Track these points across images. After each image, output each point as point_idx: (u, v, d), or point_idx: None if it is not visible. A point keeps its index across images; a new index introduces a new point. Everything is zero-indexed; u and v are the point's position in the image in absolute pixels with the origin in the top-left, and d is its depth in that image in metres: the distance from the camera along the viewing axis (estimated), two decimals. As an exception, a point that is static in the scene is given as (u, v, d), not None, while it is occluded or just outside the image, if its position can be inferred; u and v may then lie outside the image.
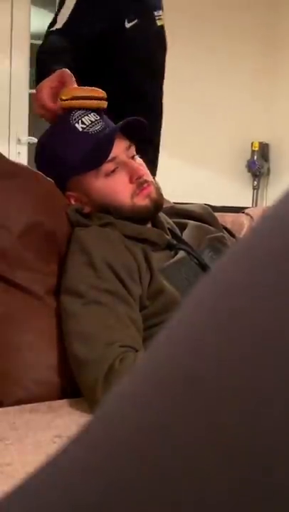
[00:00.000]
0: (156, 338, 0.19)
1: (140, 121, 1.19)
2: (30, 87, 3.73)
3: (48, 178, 1.21)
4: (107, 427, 0.18)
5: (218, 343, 0.16)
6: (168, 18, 3.85)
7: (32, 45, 3.73)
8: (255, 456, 0.14)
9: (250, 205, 3.95)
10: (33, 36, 3.75)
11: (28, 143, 3.65)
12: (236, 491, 0.14)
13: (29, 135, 3.67)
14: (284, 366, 0.15)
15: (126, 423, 0.17)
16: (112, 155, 1.15)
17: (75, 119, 1.19)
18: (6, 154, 1.24)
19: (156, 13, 1.87)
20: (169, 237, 1.22)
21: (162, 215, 1.27)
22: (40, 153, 1.25)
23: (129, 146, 1.19)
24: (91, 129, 1.18)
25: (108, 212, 1.18)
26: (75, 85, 1.26)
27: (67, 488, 0.17)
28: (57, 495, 0.18)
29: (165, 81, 3.92)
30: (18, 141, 3.68)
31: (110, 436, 0.17)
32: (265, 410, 0.15)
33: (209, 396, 0.16)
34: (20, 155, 3.67)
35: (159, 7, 1.93)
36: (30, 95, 3.73)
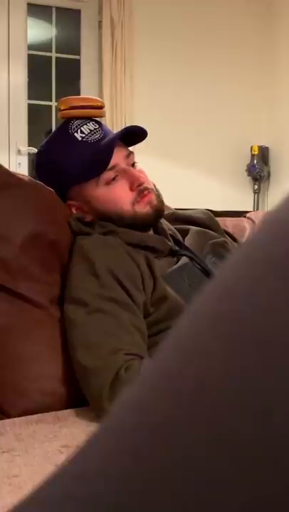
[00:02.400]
0: (161, 346, 0.19)
1: (139, 128, 1.19)
2: (29, 98, 3.75)
3: (49, 188, 1.21)
4: (116, 437, 0.18)
5: (223, 352, 0.16)
6: (169, 22, 3.87)
7: (29, 56, 3.75)
8: (264, 465, 0.14)
9: (252, 209, 3.95)
10: (31, 47, 3.77)
11: (28, 153, 3.66)
12: (245, 503, 0.14)
13: (29, 145, 3.69)
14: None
15: (134, 433, 0.17)
16: (112, 163, 1.15)
17: (74, 129, 1.19)
18: (6, 165, 1.25)
19: None
20: (171, 243, 1.22)
21: (164, 222, 1.27)
22: (40, 163, 1.25)
23: (129, 154, 1.19)
24: (90, 138, 1.18)
25: (110, 220, 1.18)
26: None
27: (77, 499, 0.17)
28: (67, 505, 0.17)
29: (164, 87, 3.94)
30: (18, 151, 3.69)
31: (119, 445, 0.17)
32: (271, 419, 0.15)
33: (216, 405, 0.16)
34: (20, 166, 3.68)
35: None
36: (29, 106, 3.75)
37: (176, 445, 0.16)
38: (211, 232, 1.32)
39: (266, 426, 0.15)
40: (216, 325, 0.17)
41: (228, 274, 0.18)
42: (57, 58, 3.88)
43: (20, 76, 3.72)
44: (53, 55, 3.87)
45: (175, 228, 1.30)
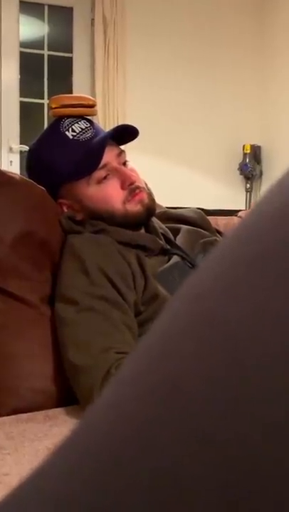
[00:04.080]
0: (137, 346, 0.19)
1: (131, 127, 1.19)
2: (21, 95, 3.74)
3: (40, 186, 1.21)
4: (92, 436, 0.18)
5: (196, 350, 0.16)
6: (162, 20, 3.87)
7: (21, 54, 3.74)
8: (240, 462, 0.14)
9: (244, 208, 3.95)
10: (23, 44, 3.76)
11: (20, 151, 3.65)
12: (222, 496, 0.14)
13: (21, 143, 3.68)
14: (263, 369, 0.15)
15: (110, 432, 0.17)
16: (103, 162, 1.15)
17: (65, 127, 1.19)
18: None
19: None
20: (162, 242, 1.22)
21: (155, 221, 1.27)
22: (31, 161, 1.25)
23: (120, 153, 1.19)
24: (81, 137, 1.18)
25: (101, 218, 1.18)
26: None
27: (53, 499, 0.17)
28: (43, 505, 0.18)
29: (157, 85, 3.94)
30: (10, 149, 3.68)
31: (95, 446, 0.17)
32: (248, 415, 0.15)
33: (188, 406, 0.16)
34: (12, 163, 3.67)
35: None
36: (21, 103, 3.74)
37: (153, 444, 0.16)
38: (203, 231, 1.33)
39: (235, 426, 0.15)
40: (188, 324, 0.17)
41: (204, 274, 0.18)
42: (49, 56, 3.87)
43: (12, 74, 3.71)
44: (45, 52, 3.86)
45: (166, 227, 1.30)
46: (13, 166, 3.66)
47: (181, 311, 0.18)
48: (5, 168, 3.46)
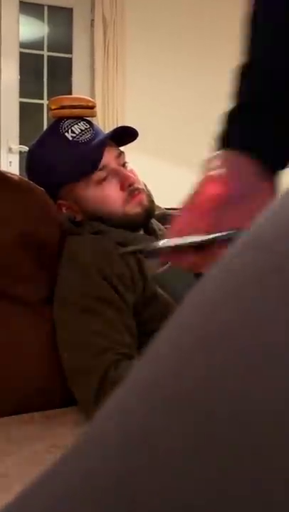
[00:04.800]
0: (145, 355, 0.19)
1: (130, 128, 1.19)
2: (21, 96, 3.74)
3: (40, 187, 1.21)
4: (98, 443, 0.18)
5: (207, 364, 0.16)
6: (162, 20, 3.86)
7: (21, 54, 3.74)
8: (244, 470, 0.15)
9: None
10: (22, 45, 3.76)
11: (20, 151, 3.65)
12: (221, 501, 0.14)
13: (20, 144, 3.67)
14: (273, 382, 0.15)
15: (116, 440, 0.17)
16: (102, 163, 1.15)
17: (64, 128, 1.19)
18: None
19: None
20: (161, 243, 1.22)
21: (154, 222, 1.27)
22: (31, 162, 1.25)
23: (120, 154, 1.19)
24: (81, 138, 1.18)
25: (100, 220, 1.18)
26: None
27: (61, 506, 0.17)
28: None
29: (157, 85, 3.94)
30: (10, 149, 3.68)
31: (101, 451, 0.17)
32: (253, 429, 0.15)
33: (198, 417, 0.16)
34: (11, 164, 3.67)
35: None
36: (21, 104, 3.74)
37: (159, 455, 0.16)
38: (202, 232, 1.33)
39: (253, 436, 0.15)
40: (201, 339, 0.17)
41: (209, 287, 0.19)
42: (49, 56, 3.87)
43: (11, 74, 3.71)
44: (45, 53, 3.86)
45: (165, 228, 1.30)
46: (12, 166, 3.65)
47: (193, 326, 0.18)
48: (4, 168, 3.46)
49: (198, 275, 1.18)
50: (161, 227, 1.29)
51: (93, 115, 1.24)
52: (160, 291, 1.11)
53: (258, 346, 0.16)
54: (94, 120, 1.28)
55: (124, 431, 0.17)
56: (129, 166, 1.22)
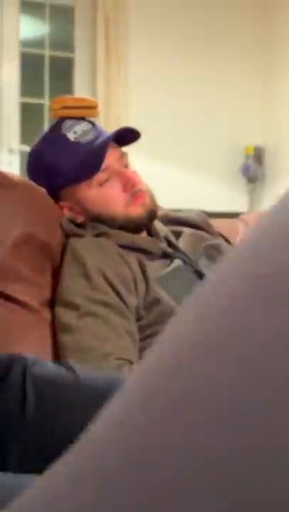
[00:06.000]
0: (144, 360, 0.19)
1: (132, 129, 1.18)
2: (22, 96, 3.73)
3: (41, 188, 1.20)
4: (96, 450, 0.18)
5: (207, 370, 0.16)
6: (164, 20, 3.86)
7: (22, 53, 3.73)
8: (242, 481, 0.14)
9: (246, 210, 3.95)
10: (23, 44, 3.75)
11: (20, 152, 3.64)
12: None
13: (21, 143, 3.67)
14: (272, 390, 0.15)
15: (114, 446, 0.17)
16: (105, 164, 1.14)
17: (66, 129, 1.18)
18: (-3, 165, 1.23)
19: None
20: (164, 245, 1.21)
21: (157, 223, 1.26)
22: (32, 163, 1.24)
23: (122, 155, 1.18)
24: (83, 139, 1.17)
25: (102, 221, 1.17)
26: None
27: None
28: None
29: (159, 85, 3.94)
30: (10, 150, 3.67)
31: (99, 459, 0.17)
32: (252, 435, 0.15)
33: (198, 423, 0.15)
34: (12, 164, 3.66)
35: None
36: (22, 104, 3.73)
37: (158, 462, 0.16)
38: (205, 234, 1.32)
39: (251, 443, 0.15)
40: (200, 345, 0.17)
41: (207, 293, 0.18)
42: (50, 56, 3.86)
43: (12, 73, 3.70)
44: (46, 52, 3.85)
45: (169, 230, 1.29)
46: (13, 166, 3.65)
47: (189, 332, 0.18)
48: (5, 168, 3.45)
49: (201, 277, 1.17)
50: (164, 228, 1.28)
51: (95, 115, 1.23)
52: (163, 293, 1.10)
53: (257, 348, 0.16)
54: (96, 120, 1.27)
55: (123, 439, 0.17)
56: (132, 167, 1.21)
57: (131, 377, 0.19)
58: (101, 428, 0.18)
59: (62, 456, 0.19)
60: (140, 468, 0.16)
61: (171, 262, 1.19)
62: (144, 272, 1.11)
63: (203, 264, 1.22)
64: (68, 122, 1.19)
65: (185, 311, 0.19)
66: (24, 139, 3.67)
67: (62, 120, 1.19)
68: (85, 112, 1.21)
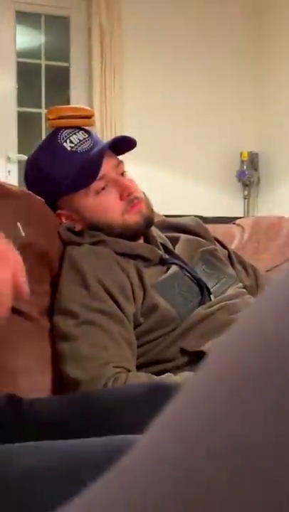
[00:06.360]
0: (181, 394, 0.19)
1: (128, 137, 1.19)
2: (18, 105, 3.75)
3: (39, 198, 1.21)
4: (127, 478, 0.18)
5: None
6: (159, 29, 3.87)
7: (19, 63, 3.75)
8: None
9: (242, 215, 3.96)
10: (20, 54, 3.77)
11: (18, 161, 3.65)
12: None
13: (18, 153, 3.68)
14: None
15: (145, 475, 0.17)
16: (101, 173, 1.15)
17: (63, 138, 1.19)
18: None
19: None
20: (161, 252, 1.21)
21: (154, 230, 1.27)
22: (29, 172, 1.25)
23: (119, 163, 1.19)
24: (79, 148, 1.18)
25: (99, 229, 1.18)
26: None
27: None
28: None
29: (154, 94, 3.95)
30: (8, 159, 3.68)
31: (129, 486, 0.18)
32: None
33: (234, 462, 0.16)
34: (10, 173, 3.67)
35: None
36: (19, 113, 3.74)
37: (188, 494, 0.16)
38: (201, 239, 1.32)
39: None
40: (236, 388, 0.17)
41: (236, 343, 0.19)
42: (46, 65, 3.88)
43: (9, 83, 3.72)
44: (42, 62, 3.87)
45: (165, 236, 1.30)
46: (11, 175, 3.66)
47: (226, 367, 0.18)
48: (3, 178, 3.46)
49: (198, 283, 1.18)
50: (161, 235, 1.29)
51: (91, 124, 1.24)
52: (160, 300, 1.11)
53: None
54: (92, 129, 1.28)
55: (151, 462, 0.17)
56: (128, 174, 1.22)
57: None
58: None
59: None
60: None
61: (168, 268, 1.20)
62: (141, 278, 1.12)
63: (199, 270, 1.23)
64: (65, 132, 1.20)
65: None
66: (22, 148, 3.68)
67: (58, 130, 1.20)
68: (81, 122, 1.22)
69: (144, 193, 1.23)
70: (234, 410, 0.16)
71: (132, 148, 1.21)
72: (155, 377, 1.00)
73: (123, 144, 1.20)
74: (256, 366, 0.17)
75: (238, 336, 0.19)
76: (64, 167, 1.17)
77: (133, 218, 1.17)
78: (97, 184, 1.16)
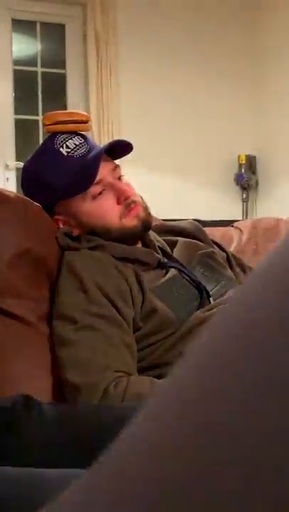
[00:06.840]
0: (165, 383, 0.19)
1: (124, 141, 1.19)
2: (16, 113, 3.76)
3: (37, 204, 1.21)
4: (113, 473, 0.18)
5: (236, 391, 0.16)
6: (154, 35, 3.89)
7: (15, 71, 3.76)
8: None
9: (240, 218, 3.96)
10: (16, 62, 3.78)
11: (16, 168, 3.66)
12: None
13: (16, 160, 3.68)
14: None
15: (133, 471, 0.17)
16: (98, 177, 1.15)
17: (59, 144, 1.19)
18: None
19: None
20: (159, 255, 1.21)
21: (152, 234, 1.26)
22: (26, 178, 1.24)
23: (115, 167, 1.19)
24: (76, 153, 1.18)
25: (97, 234, 1.18)
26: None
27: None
28: None
29: (151, 99, 3.96)
30: (6, 166, 3.69)
31: (115, 482, 0.17)
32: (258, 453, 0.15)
33: (226, 451, 0.15)
34: (8, 180, 3.68)
35: None
36: (16, 120, 3.75)
37: (177, 489, 0.16)
38: (199, 242, 1.32)
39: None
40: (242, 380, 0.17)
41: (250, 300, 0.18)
42: (42, 73, 3.89)
43: (6, 91, 3.73)
44: (39, 69, 3.88)
45: (163, 240, 1.30)
46: (9, 183, 3.66)
47: (221, 341, 0.18)
48: (1, 185, 3.47)
49: (197, 286, 1.18)
50: (159, 238, 1.29)
51: (87, 129, 1.24)
52: (159, 304, 1.11)
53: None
54: (89, 134, 1.28)
55: (142, 457, 0.17)
56: (125, 179, 1.22)
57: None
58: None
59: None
60: None
61: (167, 271, 1.20)
62: (140, 282, 1.12)
63: (198, 273, 1.22)
64: (61, 137, 1.20)
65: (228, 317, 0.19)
66: (19, 155, 3.69)
67: (54, 135, 1.21)
68: (77, 127, 1.22)
69: (141, 197, 1.23)
70: (226, 383, 0.16)
71: (129, 152, 1.21)
72: (157, 380, 1.00)
73: (120, 148, 1.20)
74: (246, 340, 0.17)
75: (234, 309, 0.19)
76: (60, 172, 1.17)
77: (131, 222, 1.17)
78: (94, 189, 1.16)
